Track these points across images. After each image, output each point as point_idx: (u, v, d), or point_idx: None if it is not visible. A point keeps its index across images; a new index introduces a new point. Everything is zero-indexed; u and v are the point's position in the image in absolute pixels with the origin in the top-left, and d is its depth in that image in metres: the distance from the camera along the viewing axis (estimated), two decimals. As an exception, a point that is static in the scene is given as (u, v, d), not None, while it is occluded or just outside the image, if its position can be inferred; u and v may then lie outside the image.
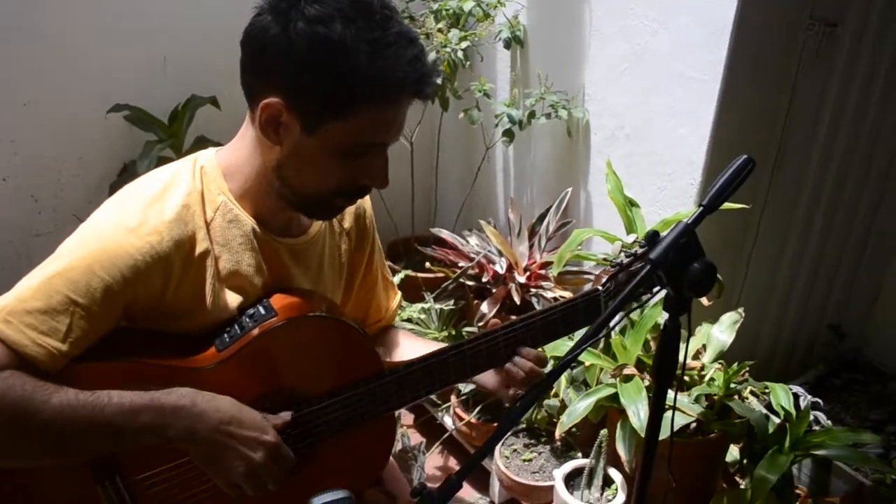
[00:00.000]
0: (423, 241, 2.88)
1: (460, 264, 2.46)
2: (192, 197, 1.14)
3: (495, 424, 2.39)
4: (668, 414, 1.90)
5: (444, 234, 2.68)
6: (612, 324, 1.14)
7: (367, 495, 1.36)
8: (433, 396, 2.54)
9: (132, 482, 1.14)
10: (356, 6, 1.04)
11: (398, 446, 2.27)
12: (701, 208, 1.18)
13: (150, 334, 1.16)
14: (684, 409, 1.93)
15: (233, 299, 1.18)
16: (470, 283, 2.52)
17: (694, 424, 2.02)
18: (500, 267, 2.42)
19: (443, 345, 1.35)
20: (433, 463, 2.57)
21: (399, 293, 1.58)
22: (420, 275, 2.68)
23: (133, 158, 2.52)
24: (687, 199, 2.24)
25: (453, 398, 2.47)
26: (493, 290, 2.44)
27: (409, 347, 1.50)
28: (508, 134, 2.52)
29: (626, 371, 1.99)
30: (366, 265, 1.45)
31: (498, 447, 2.29)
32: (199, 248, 1.13)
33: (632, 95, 2.35)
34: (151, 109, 2.54)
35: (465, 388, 2.42)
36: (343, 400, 1.23)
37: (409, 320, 2.47)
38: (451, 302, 2.64)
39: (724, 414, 2.02)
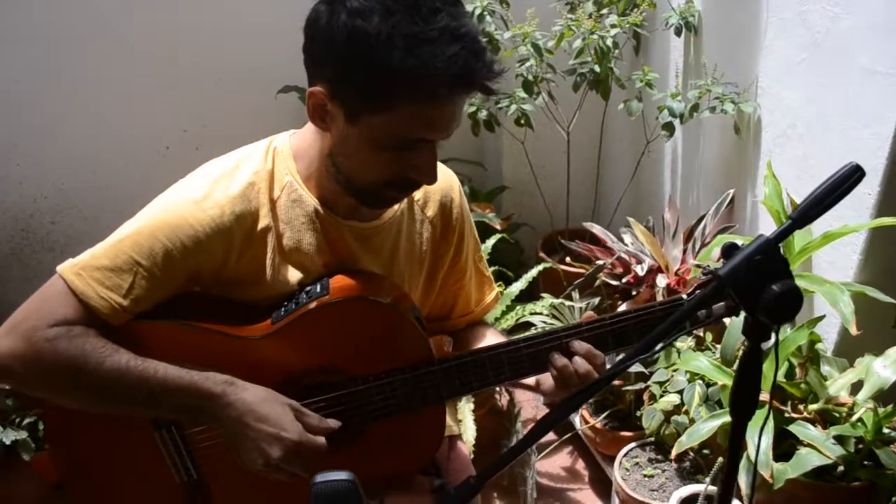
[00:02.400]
0: (579, 235, 2.79)
1: (598, 262, 2.34)
2: (260, 175, 1.19)
3: (622, 433, 2.26)
4: (804, 451, 1.74)
5: (597, 229, 2.57)
6: (666, 341, 1.04)
7: (417, 481, 1.34)
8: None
9: (186, 434, 1.22)
10: None
11: (512, 441, 2.22)
12: (789, 222, 1.02)
13: (217, 301, 1.22)
14: (821, 449, 1.70)
15: (293, 275, 1.21)
16: (614, 282, 2.40)
17: (841, 468, 1.77)
18: (641, 269, 2.27)
19: None
20: (560, 462, 2.49)
21: (496, 289, 1.53)
22: (563, 268, 2.59)
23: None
24: (862, 210, 1.95)
25: (582, 400, 2.37)
26: (634, 293, 2.30)
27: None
28: (668, 128, 2.35)
29: (767, 397, 1.79)
30: (453, 256, 1.42)
31: (620, 456, 2.17)
32: (261, 224, 1.18)
33: (808, 90, 2.08)
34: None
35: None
36: (388, 384, 1.23)
37: (538, 313, 2.40)
38: (597, 300, 2.53)
39: (877, 461, 1.76)
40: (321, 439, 1.15)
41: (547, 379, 1.27)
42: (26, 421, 2.16)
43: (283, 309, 1.21)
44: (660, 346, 1.05)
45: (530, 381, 1.31)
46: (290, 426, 1.13)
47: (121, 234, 1.14)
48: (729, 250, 1.04)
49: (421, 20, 1.00)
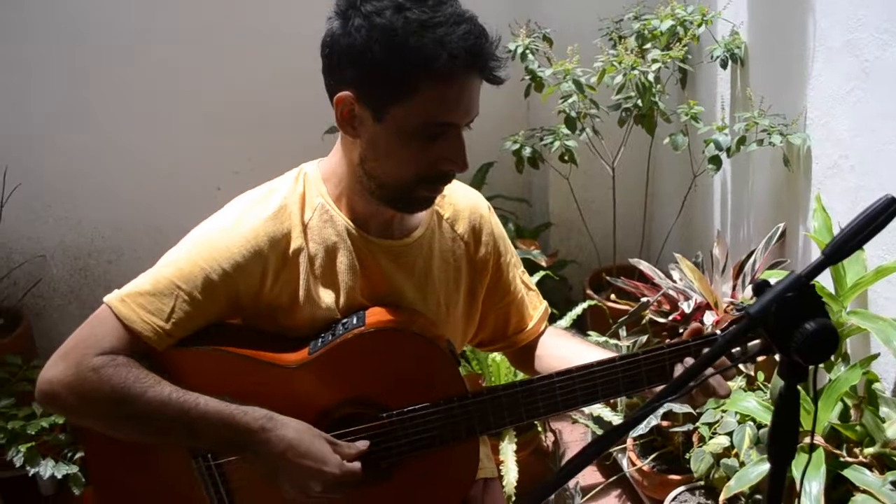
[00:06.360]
0: (627, 272, 2.74)
1: (643, 299, 2.29)
2: (291, 199, 1.22)
3: (670, 476, 2.19)
4: (859, 498, 1.65)
5: (644, 265, 2.52)
6: (697, 381, 1.02)
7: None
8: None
9: (223, 463, 1.23)
10: None
11: (559, 483, 2.16)
12: (821, 258, 0.98)
13: (256, 331, 1.24)
14: (877, 495, 1.61)
15: (327, 296, 1.23)
16: (661, 319, 2.34)
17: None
18: (688, 306, 2.21)
19: (597, 351, 1.32)
20: (608, 506, 2.42)
21: (545, 304, 1.51)
22: (611, 304, 2.54)
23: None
24: (919, 243, 1.88)
25: (630, 441, 2.31)
26: (681, 330, 2.24)
27: (561, 352, 1.43)
28: (715, 161, 2.31)
29: (809, 440, 1.71)
30: (493, 272, 1.41)
31: (668, 501, 2.10)
32: (293, 245, 1.20)
33: (858, 120, 2.02)
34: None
35: (643, 430, 2.25)
36: (421, 417, 1.22)
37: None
38: (644, 338, 2.47)
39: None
40: (357, 465, 1.17)
41: None
42: (78, 455, 2.21)
43: (319, 340, 1.22)
44: (690, 384, 1.02)
45: None
46: (330, 460, 1.15)
47: (162, 263, 1.19)
48: (760, 288, 1.01)
49: (429, 9, 1.07)
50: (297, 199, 1.22)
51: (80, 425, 1.22)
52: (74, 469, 2.19)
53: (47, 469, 2.22)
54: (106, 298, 1.17)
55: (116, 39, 2.74)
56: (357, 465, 1.17)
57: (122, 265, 2.99)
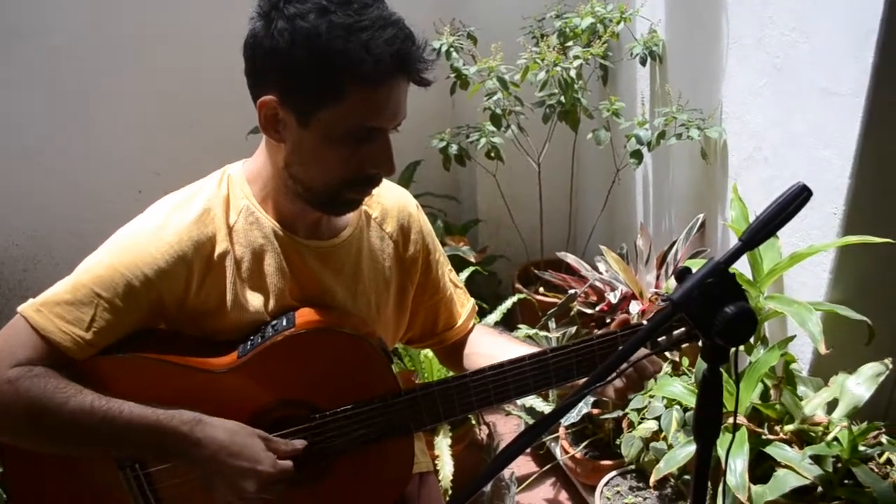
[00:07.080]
0: (555, 265, 2.79)
1: (571, 291, 2.34)
2: (215, 202, 1.19)
3: (602, 462, 2.25)
4: (781, 473, 1.73)
5: (570, 258, 2.58)
6: (623, 367, 1.04)
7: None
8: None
9: (151, 472, 1.20)
10: None
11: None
12: (738, 244, 1.03)
13: (183, 336, 1.21)
14: (798, 470, 1.69)
15: (254, 299, 1.21)
16: (588, 311, 2.40)
17: (820, 489, 1.76)
18: (614, 296, 2.27)
19: (525, 348, 1.32)
20: (543, 494, 2.46)
21: (472, 301, 1.53)
22: (540, 298, 2.58)
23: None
24: (829, 229, 1.97)
25: (562, 430, 2.36)
26: (608, 320, 2.29)
27: (490, 350, 1.44)
28: (636, 155, 2.37)
29: (733, 420, 1.78)
30: (422, 270, 1.42)
31: (601, 486, 2.15)
32: (218, 249, 1.18)
33: (771, 113, 2.11)
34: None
35: (574, 418, 2.30)
36: (355, 416, 1.22)
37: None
38: (573, 329, 2.52)
39: (856, 479, 1.75)
40: (290, 462, 1.16)
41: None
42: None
43: (249, 342, 1.20)
44: (615, 374, 1.05)
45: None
46: (264, 458, 1.13)
47: (80, 270, 1.14)
48: (682, 275, 1.04)
49: (354, 13, 1.05)
50: (222, 201, 1.19)
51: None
52: (-7, 487, 2.10)
53: (-38, 488, 2.12)
54: (20, 308, 1.12)
55: (28, 39, 2.63)
56: (290, 462, 1.16)
57: (39, 273, 2.88)
